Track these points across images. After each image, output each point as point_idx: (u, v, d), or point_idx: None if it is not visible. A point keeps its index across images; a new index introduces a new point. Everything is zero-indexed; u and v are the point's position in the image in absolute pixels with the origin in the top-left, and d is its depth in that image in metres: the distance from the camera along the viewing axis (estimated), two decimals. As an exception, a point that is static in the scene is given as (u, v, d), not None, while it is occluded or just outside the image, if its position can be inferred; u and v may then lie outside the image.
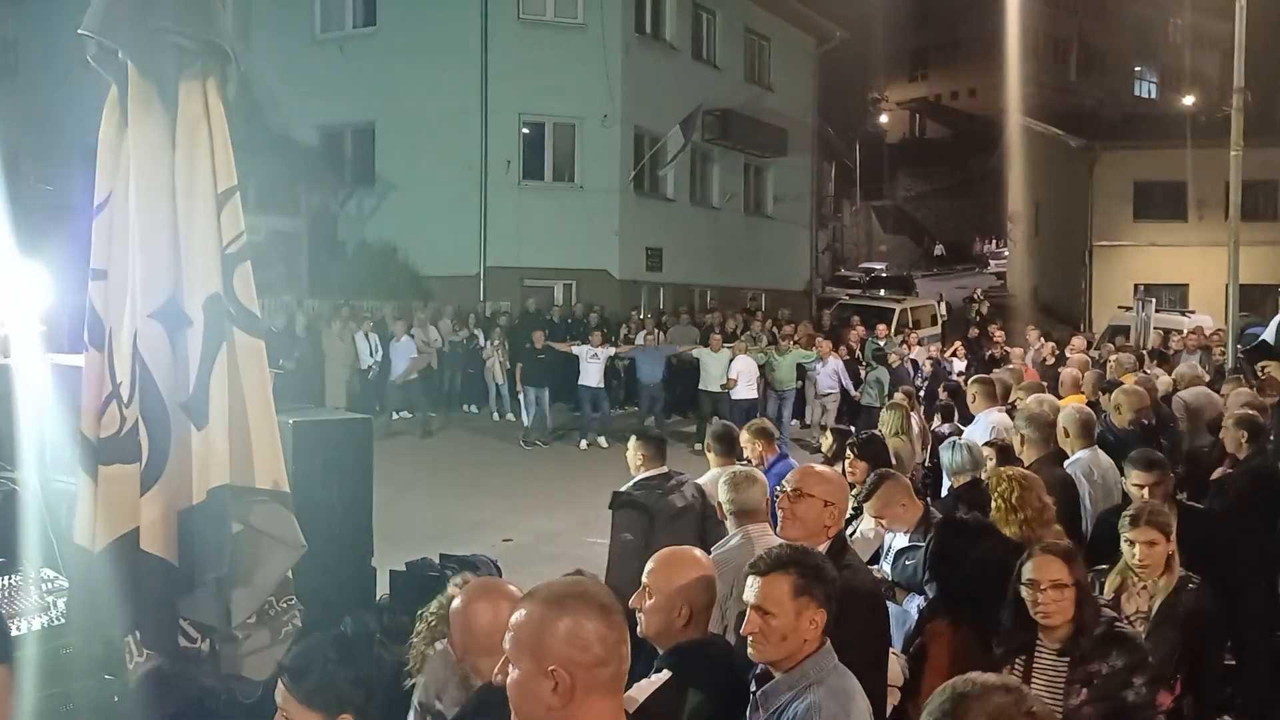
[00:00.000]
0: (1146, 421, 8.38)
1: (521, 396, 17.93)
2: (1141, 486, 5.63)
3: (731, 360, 17.47)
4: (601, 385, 17.90)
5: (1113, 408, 8.34)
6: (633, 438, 6.53)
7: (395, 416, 18.70)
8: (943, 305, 33.43)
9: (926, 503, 5.88)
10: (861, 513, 5.72)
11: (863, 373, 18.31)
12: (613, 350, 18.63)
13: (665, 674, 3.27)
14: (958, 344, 21.44)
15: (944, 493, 6.97)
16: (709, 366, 17.64)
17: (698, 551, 3.72)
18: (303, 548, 4.24)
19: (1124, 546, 4.74)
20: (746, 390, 17.33)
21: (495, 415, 19.56)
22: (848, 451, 6.96)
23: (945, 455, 6.65)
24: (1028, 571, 3.96)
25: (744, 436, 7.03)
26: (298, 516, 4.25)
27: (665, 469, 6.26)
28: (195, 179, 3.92)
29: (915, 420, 10.01)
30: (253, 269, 4.13)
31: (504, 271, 23.34)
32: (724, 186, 28.55)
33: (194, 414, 3.91)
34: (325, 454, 5.62)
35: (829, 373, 18.15)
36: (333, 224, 24.40)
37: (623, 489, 6.14)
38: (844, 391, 18.11)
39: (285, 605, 4.33)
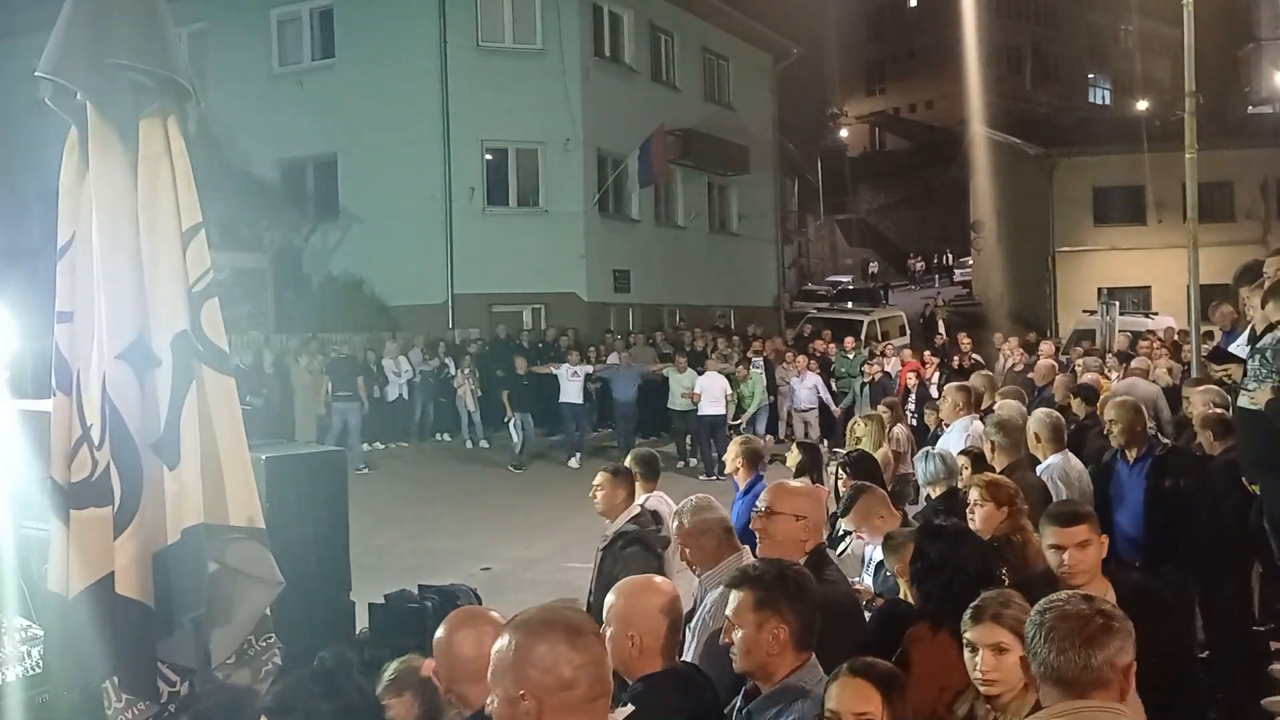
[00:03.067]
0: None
1: (510, 422, 18.13)
2: (1061, 548, 4.06)
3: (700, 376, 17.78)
4: (582, 402, 18.37)
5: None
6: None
7: (367, 448, 18.61)
8: (939, 321, 33.60)
9: (905, 513, 5.90)
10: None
11: (834, 385, 18.39)
12: (590, 368, 19.00)
13: (628, 708, 3.25)
14: (928, 354, 21.50)
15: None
16: (674, 386, 18.11)
17: (657, 579, 3.66)
18: (281, 584, 4.18)
19: (965, 654, 3.39)
20: (714, 406, 17.52)
21: (468, 444, 19.52)
22: (840, 471, 6.93)
23: (919, 466, 6.65)
24: (830, 701, 3.03)
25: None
26: (274, 553, 4.20)
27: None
28: (158, 217, 3.89)
29: (901, 430, 10.05)
30: (219, 306, 4.10)
31: (472, 298, 23.27)
32: (688, 206, 28.65)
33: (165, 454, 3.87)
34: (299, 488, 5.58)
35: (808, 388, 18.17)
36: (297, 258, 24.23)
37: None
38: (822, 406, 18.16)
39: (265, 643, 4.28)
